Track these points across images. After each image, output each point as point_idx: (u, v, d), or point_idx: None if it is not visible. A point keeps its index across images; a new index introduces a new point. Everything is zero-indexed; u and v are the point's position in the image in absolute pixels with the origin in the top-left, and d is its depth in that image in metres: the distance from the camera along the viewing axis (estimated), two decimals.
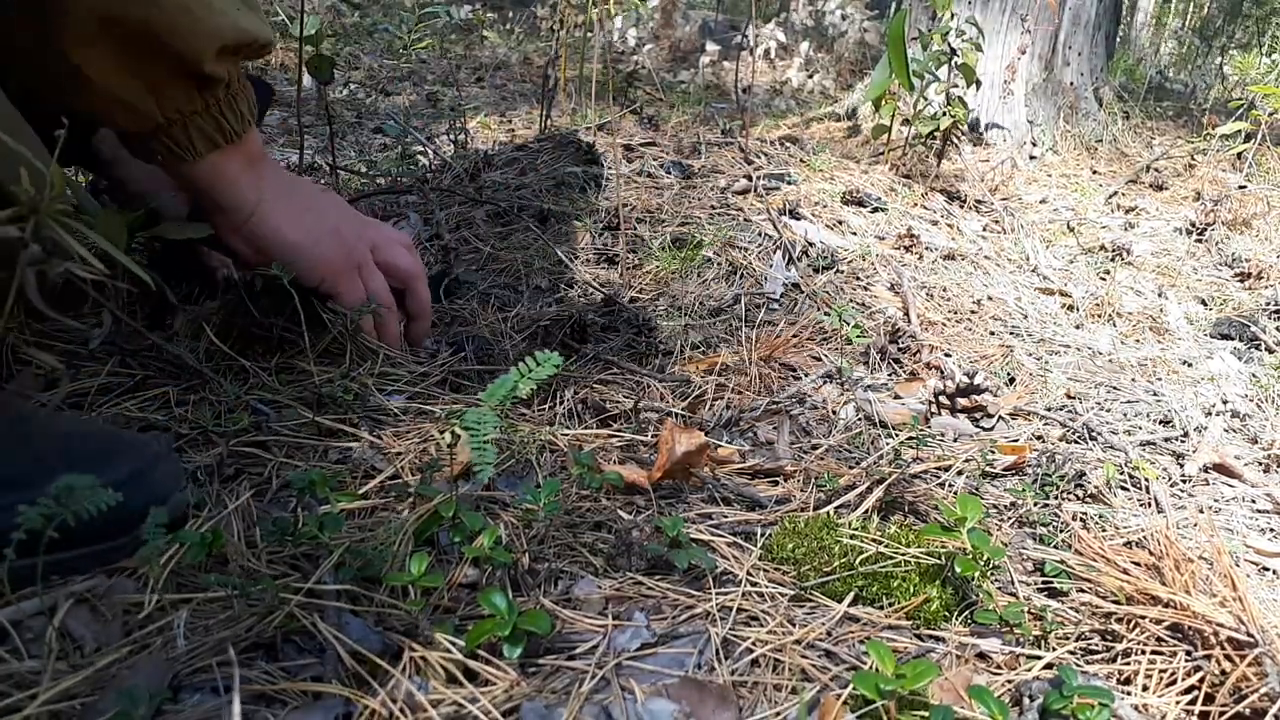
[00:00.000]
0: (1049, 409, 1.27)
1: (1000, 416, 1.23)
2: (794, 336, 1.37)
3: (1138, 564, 0.84)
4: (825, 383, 1.26)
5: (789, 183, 2.10)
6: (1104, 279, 1.97)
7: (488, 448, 0.71)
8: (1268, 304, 1.79)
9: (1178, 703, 0.70)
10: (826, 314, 1.38)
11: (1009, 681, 0.70)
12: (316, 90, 2.60)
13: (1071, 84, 3.39)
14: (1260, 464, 1.20)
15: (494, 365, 1.17)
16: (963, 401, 1.21)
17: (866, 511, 0.92)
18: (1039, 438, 1.19)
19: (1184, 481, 1.13)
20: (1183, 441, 1.23)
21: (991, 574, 0.83)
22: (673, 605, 0.75)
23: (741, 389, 1.19)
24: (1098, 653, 0.76)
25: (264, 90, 1.09)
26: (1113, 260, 2.11)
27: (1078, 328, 1.67)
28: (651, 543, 0.79)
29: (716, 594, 0.76)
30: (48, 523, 0.57)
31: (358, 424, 0.97)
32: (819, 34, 5.54)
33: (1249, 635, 0.69)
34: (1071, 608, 0.81)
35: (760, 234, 1.73)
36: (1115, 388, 1.40)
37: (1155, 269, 2.10)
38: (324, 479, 0.79)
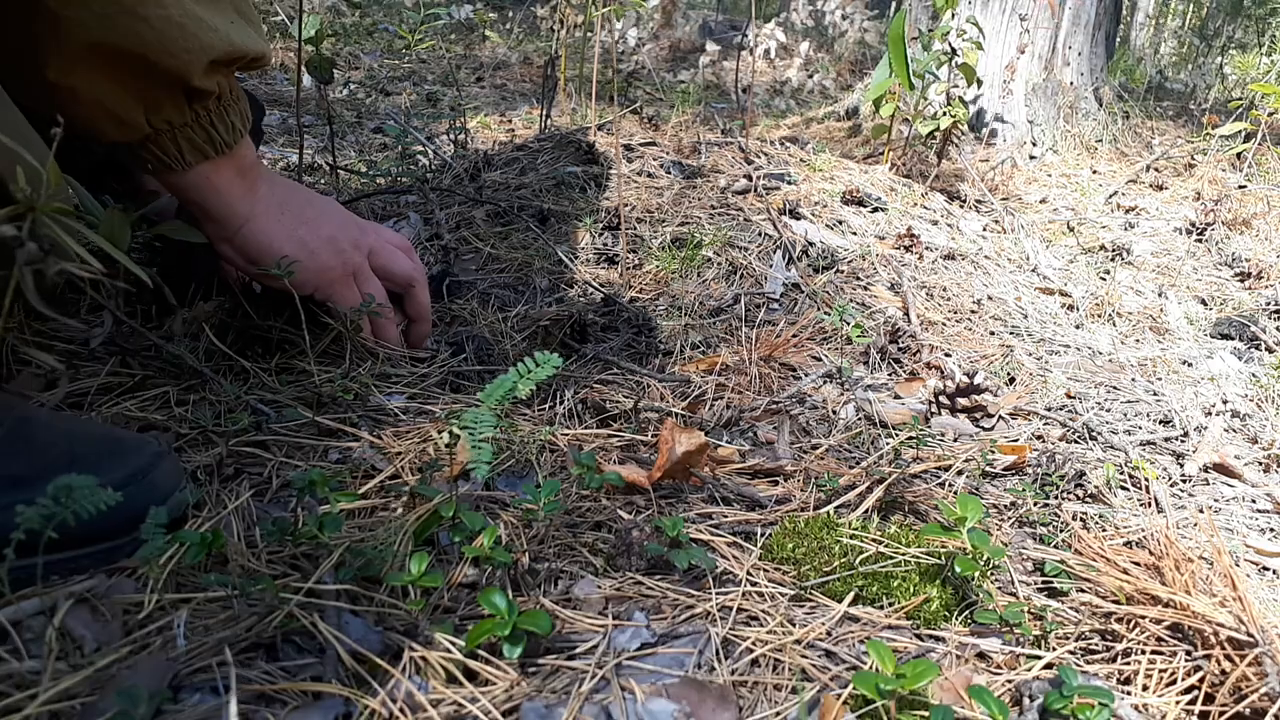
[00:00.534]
0: (1049, 409, 1.27)
1: (1000, 416, 1.23)
2: (794, 336, 1.37)
3: (1138, 564, 0.84)
4: (825, 383, 1.26)
5: (789, 182, 2.10)
6: (1104, 279, 1.97)
7: (485, 447, 0.71)
8: (1268, 304, 1.79)
9: (1178, 703, 0.69)
10: (826, 314, 1.38)
11: (1009, 681, 0.70)
12: (316, 90, 2.60)
13: (1071, 84, 3.39)
14: (1260, 464, 1.20)
15: (494, 365, 1.17)
16: (963, 401, 1.21)
17: (866, 511, 0.92)
18: (1039, 438, 1.19)
19: (1184, 481, 1.13)
20: (1183, 441, 1.23)
21: (991, 574, 0.83)
22: (673, 605, 0.75)
23: (741, 389, 1.19)
24: (1098, 653, 0.76)
25: (256, 107, 1.09)
26: (1113, 260, 2.12)
27: (1078, 327, 1.67)
28: (651, 543, 0.79)
29: (716, 594, 0.76)
30: (47, 523, 0.57)
31: (358, 424, 0.97)
32: (819, 34, 5.54)
33: (1249, 635, 0.69)
34: (1071, 608, 0.81)
35: (760, 234, 1.73)
36: (1115, 388, 1.40)
37: (1155, 269, 2.10)
38: (324, 479, 0.79)
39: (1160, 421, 1.29)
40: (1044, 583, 0.85)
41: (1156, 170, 3.04)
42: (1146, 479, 1.08)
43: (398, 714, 0.59)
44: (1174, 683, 0.71)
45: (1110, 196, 2.72)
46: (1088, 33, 3.42)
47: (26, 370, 0.95)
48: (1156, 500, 1.05)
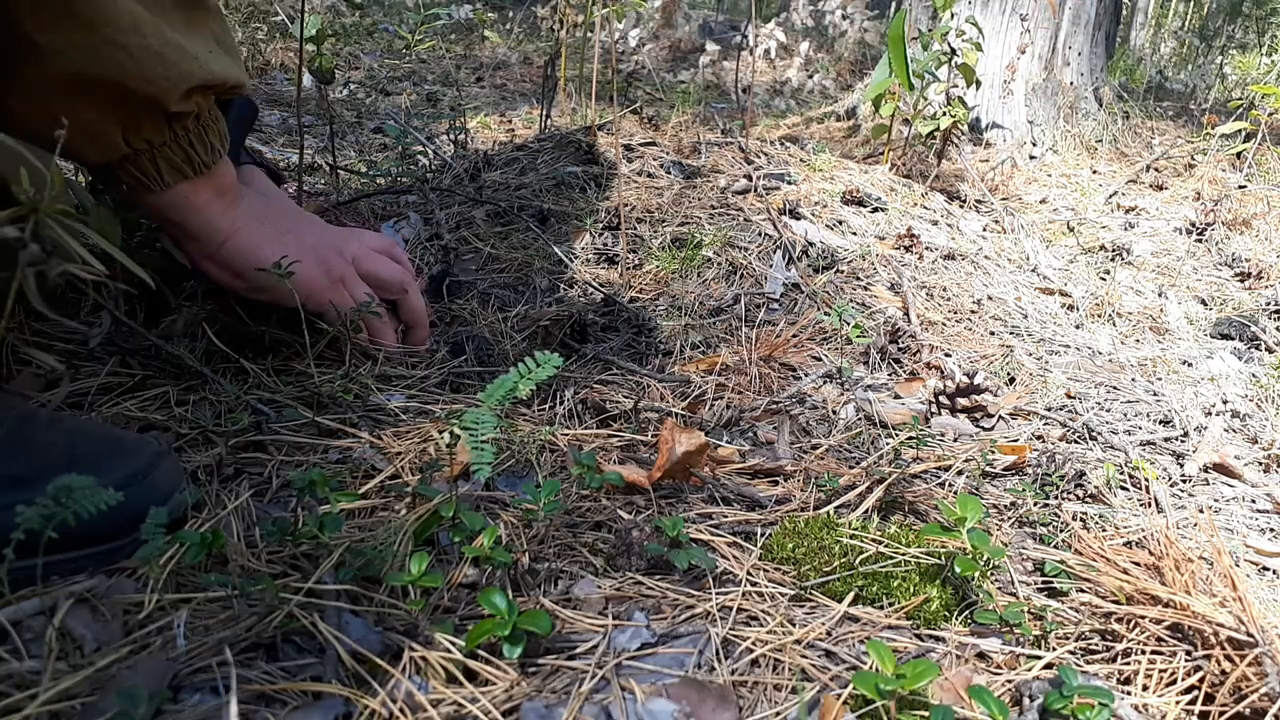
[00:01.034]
0: (1049, 409, 1.27)
1: (1000, 416, 1.23)
2: (794, 336, 1.37)
3: (1138, 564, 0.84)
4: (825, 383, 1.26)
5: (789, 182, 2.10)
6: (1104, 279, 1.97)
7: (486, 447, 0.71)
8: (1268, 304, 1.79)
9: (1178, 703, 0.69)
10: (826, 314, 1.38)
11: (1009, 681, 0.70)
12: (317, 90, 2.60)
13: (1071, 84, 3.39)
14: (1260, 464, 1.20)
15: (494, 365, 1.17)
16: (963, 401, 1.21)
17: (866, 511, 0.92)
18: (1039, 438, 1.19)
19: (1184, 481, 1.13)
20: (1183, 441, 1.23)
21: (991, 574, 0.83)
22: (673, 605, 0.75)
23: (741, 389, 1.19)
24: (1098, 653, 0.76)
25: (249, 109, 1.09)
26: (1113, 260, 2.12)
27: (1078, 327, 1.67)
28: (651, 543, 0.79)
29: (716, 594, 0.76)
30: (47, 523, 0.57)
31: (358, 424, 0.97)
32: (819, 34, 5.54)
33: (1249, 635, 0.69)
34: (1071, 608, 0.81)
35: (760, 234, 1.73)
36: (1115, 388, 1.40)
37: (1155, 269, 2.10)
38: (324, 479, 0.79)
39: (1160, 421, 1.29)
40: (1044, 583, 0.85)
41: (1156, 170, 3.04)
42: (1146, 479, 1.08)
43: (398, 714, 0.59)
44: (1174, 683, 0.71)
45: (1110, 196, 2.72)
46: (1088, 33, 3.42)
47: (27, 370, 0.95)
48: (1156, 500, 1.05)
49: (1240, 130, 2.92)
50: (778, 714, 0.64)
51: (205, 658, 0.61)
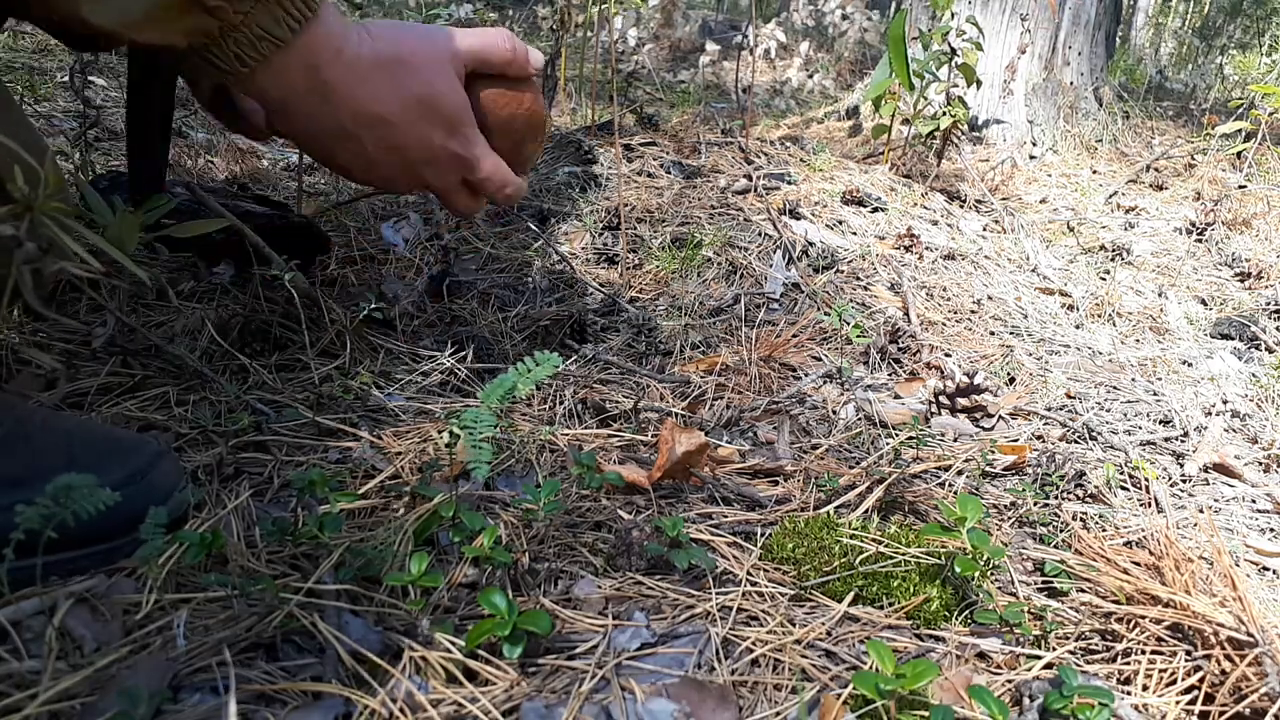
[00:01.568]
0: (1049, 409, 1.27)
1: (1000, 416, 1.23)
2: (794, 336, 1.37)
3: (1138, 564, 0.84)
4: (825, 383, 1.26)
5: (789, 182, 2.10)
6: (1104, 279, 1.97)
7: (485, 447, 0.71)
8: (1268, 304, 1.79)
9: (1178, 703, 0.69)
10: (826, 314, 1.38)
11: (1009, 681, 0.70)
12: None
13: (1071, 84, 3.39)
14: (1260, 464, 1.20)
15: (494, 365, 1.17)
16: (963, 401, 1.21)
17: (866, 511, 0.92)
18: (1039, 438, 1.19)
19: (1184, 481, 1.13)
20: (1183, 441, 1.22)
21: (991, 574, 0.83)
22: (673, 605, 0.75)
23: (741, 389, 1.19)
24: (1098, 653, 0.76)
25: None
26: (1113, 260, 2.11)
27: (1078, 327, 1.67)
28: (651, 543, 0.79)
29: (716, 594, 0.76)
30: (46, 523, 0.57)
31: (358, 424, 0.97)
32: (819, 34, 5.54)
33: (1249, 635, 0.69)
34: (1071, 608, 0.81)
35: (760, 234, 1.73)
36: (1115, 388, 1.40)
37: (1155, 269, 2.10)
38: (324, 479, 0.79)
39: (1160, 421, 1.29)
40: (1044, 583, 0.85)
41: (1156, 170, 3.04)
42: (1146, 479, 1.08)
43: (398, 714, 0.59)
44: (1174, 683, 0.71)
45: (1110, 196, 2.72)
46: (1088, 33, 3.42)
47: (26, 370, 0.95)
48: (1156, 500, 1.05)
49: (1240, 130, 2.92)
50: (778, 714, 0.64)
51: (205, 658, 0.61)
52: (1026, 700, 0.67)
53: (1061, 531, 0.93)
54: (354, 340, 1.09)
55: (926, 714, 0.61)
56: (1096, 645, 0.77)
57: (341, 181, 1.97)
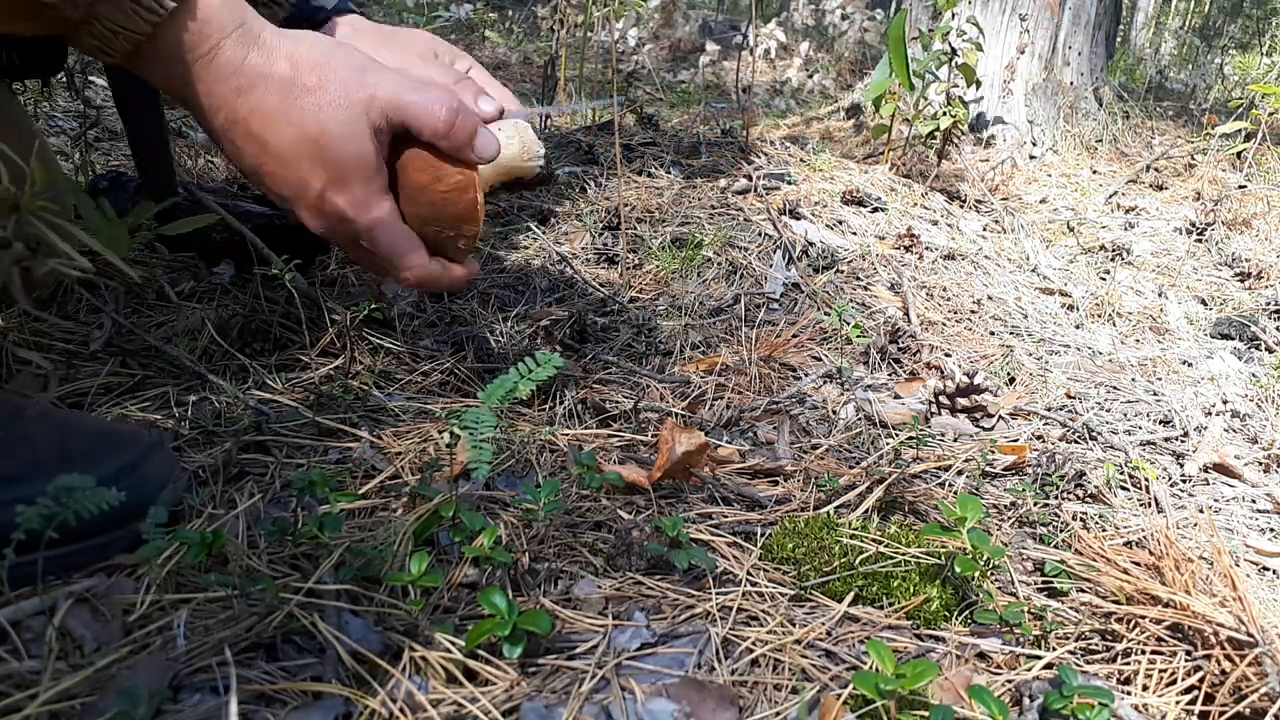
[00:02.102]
0: (1049, 409, 1.27)
1: (1000, 416, 1.23)
2: (794, 336, 1.37)
3: (1138, 564, 0.84)
4: (825, 383, 1.26)
5: (789, 182, 2.10)
6: (1104, 279, 1.97)
7: (485, 447, 0.71)
8: (1268, 304, 1.79)
9: (1178, 703, 0.69)
10: (826, 314, 1.38)
11: (1009, 681, 0.70)
12: None
13: (1071, 84, 3.39)
14: (1260, 464, 1.20)
15: (494, 365, 1.17)
16: (963, 401, 1.21)
17: (866, 511, 0.92)
18: (1039, 438, 1.19)
19: (1184, 481, 1.13)
20: (1183, 441, 1.22)
21: (991, 574, 0.83)
22: (673, 605, 0.75)
23: (741, 389, 1.19)
24: (1098, 653, 0.76)
25: None
26: (1113, 260, 2.11)
27: (1078, 328, 1.67)
28: (651, 543, 0.79)
29: (716, 594, 0.76)
30: (48, 523, 0.57)
31: (358, 424, 0.97)
32: (819, 34, 5.54)
33: (1249, 635, 0.69)
34: (1071, 608, 0.81)
35: (760, 234, 1.73)
36: (1115, 388, 1.40)
37: (1155, 269, 2.10)
38: (324, 479, 0.79)
39: (1160, 421, 1.29)
40: (1044, 583, 0.85)
41: (1156, 170, 3.04)
42: (1146, 479, 1.08)
43: (398, 714, 0.59)
44: (1174, 683, 0.71)
45: (1110, 196, 2.72)
46: (1088, 33, 3.42)
47: (27, 370, 0.95)
48: (1156, 500, 1.05)
49: (1240, 130, 2.92)
50: (778, 714, 0.64)
51: (205, 658, 0.61)
52: (1026, 700, 0.67)
53: (1061, 531, 0.93)
54: (354, 340, 1.09)
55: (926, 714, 0.61)
56: (1096, 645, 0.77)
57: None
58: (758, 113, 3.76)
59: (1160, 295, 1.91)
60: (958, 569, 0.76)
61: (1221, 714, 0.68)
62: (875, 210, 2.05)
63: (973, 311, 1.63)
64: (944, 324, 1.55)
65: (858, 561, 0.80)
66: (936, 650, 0.73)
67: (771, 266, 1.62)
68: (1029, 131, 3.26)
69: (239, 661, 0.61)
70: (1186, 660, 0.72)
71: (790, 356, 1.32)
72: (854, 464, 1.03)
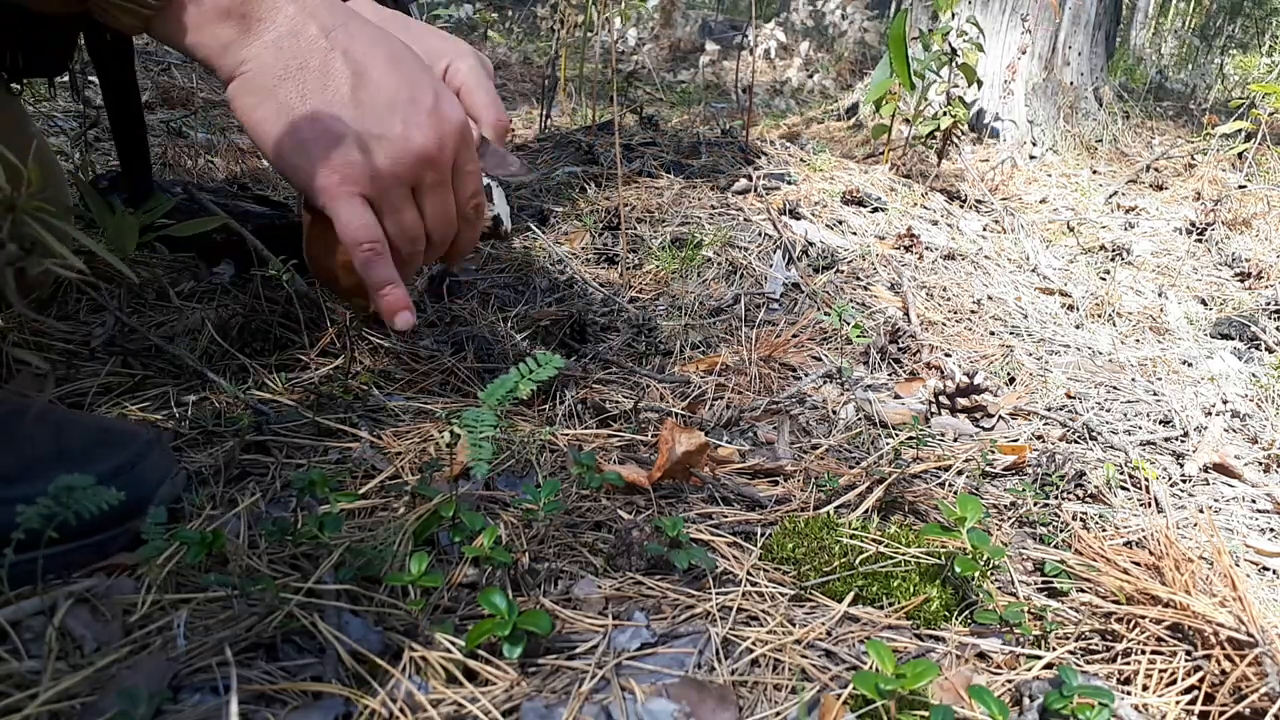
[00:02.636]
0: (1049, 409, 1.27)
1: (1000, 416, 1.23)
2: (794, 336, 1.37)
3: (1138, 564, 0.84)
4: (825, 383, 1.26)
5: (789, 182, 2.10)
6: (1104, 279, 1.97)
7: (485, 446, 0.71)
8: (1268, 304, 1.79)
9: (1178, 703, 0.69)
10: (826, 314, 1.38)
11: (1009, 681, 0.70)
12: None
13: (1071, 84, 3.39)
14: (1260, 464, 1.20)
15: (494, 365, 1.17)
16: (963, 401, 1.21)
17: (866, 511, 0.92)
18: (1039, 438, 1.19)
19: (1184, 481, 1.13)
20: (1183, 441, 1.22)
21: (991, 574, 0.83)
22: (673, 605, 0.75)
23: (741, 389, 1.19)
24: (1098, 653, 0.76)
25: None
26: (1113, 260, 2.11)
27: (1078, 327, 1.67)
28: (651, 543, 0.79)
29: (716, 594, 0.76)
30: (48, 523, 0.57)
31: (358, 424, 0.97)
32: (819, 34, 5.54)
33: (1249, 635, 0.69)
34: (1071, 608, 0.81)
35: (760, 234, 1.73)
36: (1115, 388, 1.40)
37: (1155, 269, 2.10)
38: (324, 479, 0.79)
39: (1160, 421, 1.29)
40: (1044, 583, 0.85)
41: (1156, 170, 3.04)
42: (1146, 479, 1.08)
43: (398, 714, 0.59)
44: (1174, 683, 0.71)
45: (1110, 196, 2.72)
46: (1088, 33, 3.42)
47: (27, 370, 0.95)
48: (1156, 500, 1.05)
49: (1240, 130, 2.92)
50: (778, 714, 0.64)
51: (205, 658, 0.61)
52: (1026, 700, 0.67)
53: (1061, 531, 0.93)
54: (353, 340, 1.09)
55: (926, 714, 0.61)
56: (1096, 645, 0.77)
57: None
58: (758, 113, 3.76)
59: (1160, 295, 1.91)
60: (958, 569, 0.76)
61: (1221, 714, 0.68)
62: (875, 210, 2.05)
63: (973, 311, 1.63)
64: (944, 324, 1.55)
65: (858, 561, 0.80)
66: (936, 650, 0.73)
67: (771, 266, 1.62)
68: (1029, 131, 3.26)
69: (239, 661, 0.61)
70: (1186, 660, 0.72)
71: (790, 356, 1.32)
72: (854, 464, 1.03)
